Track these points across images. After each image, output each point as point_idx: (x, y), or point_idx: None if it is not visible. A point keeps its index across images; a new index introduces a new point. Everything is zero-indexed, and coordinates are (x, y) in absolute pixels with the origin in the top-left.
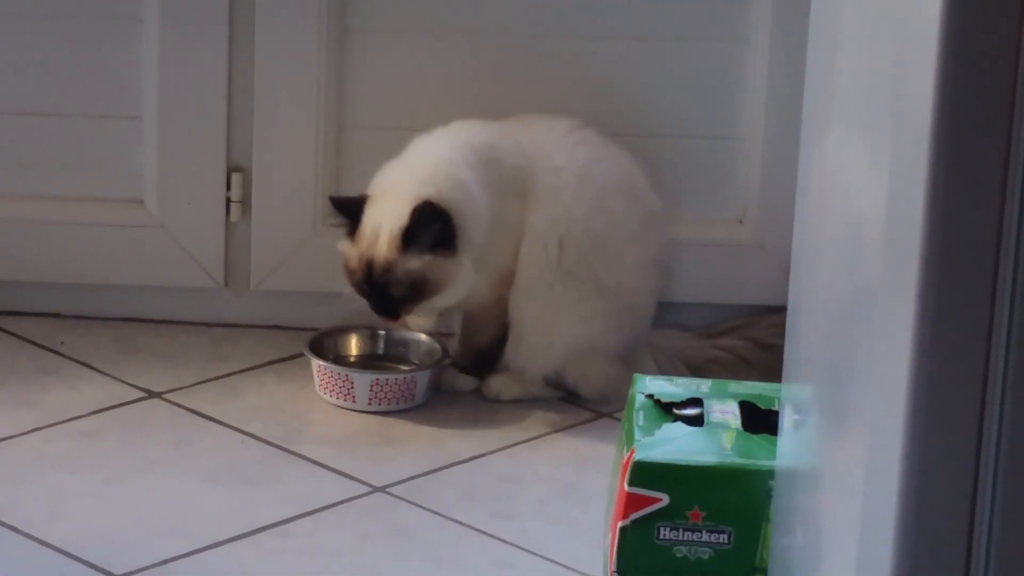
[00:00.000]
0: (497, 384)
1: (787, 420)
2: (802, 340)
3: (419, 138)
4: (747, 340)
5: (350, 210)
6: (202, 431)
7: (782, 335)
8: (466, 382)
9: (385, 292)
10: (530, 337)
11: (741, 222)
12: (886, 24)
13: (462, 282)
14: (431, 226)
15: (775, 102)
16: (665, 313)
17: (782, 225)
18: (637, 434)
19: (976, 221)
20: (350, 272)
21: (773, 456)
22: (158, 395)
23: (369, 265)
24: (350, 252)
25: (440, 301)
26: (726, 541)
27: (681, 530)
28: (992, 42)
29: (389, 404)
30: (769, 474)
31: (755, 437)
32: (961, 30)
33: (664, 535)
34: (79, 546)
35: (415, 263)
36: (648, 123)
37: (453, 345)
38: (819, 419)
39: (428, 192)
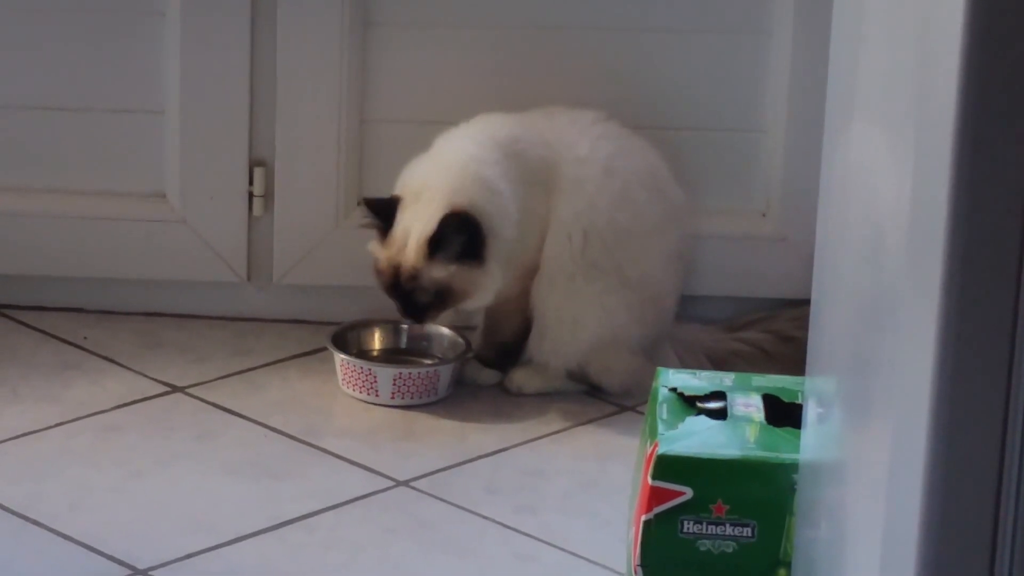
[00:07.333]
0: (520, 377)
1: (811, 413)
2: (826, 333)
3: (444, 135)
4: (769, 333)
5: (383, 212)
6: (225, 425)
7: (804, 328)
8: (489, 376)
9: (411, 297)
10: (553, 330)
11: (764, 215)
12: (910, 15)
13: (487, 291)
14: (458, 237)
15: (798, 94)
16: (687, 306)
17: (805, 218)
18: (660, 427)
19: (1001, 213)
20: (379, 273)
21: (797, 449)
22: (181, 389)
23: (396, 270)
24: (380, 254)
25: (466, 307)
26: (750, 534)
27: (705, 523)
28: (1017, 34)
29: (412, 398)
30: (793, 467)
31: (779, 430)
32: (985, 21)
33: (688, 528)
34: (102, 540)
35: (440, 272)
36: (671, 115)
37: (476, 339)
38: (843, 412)
39: (459, 200)
